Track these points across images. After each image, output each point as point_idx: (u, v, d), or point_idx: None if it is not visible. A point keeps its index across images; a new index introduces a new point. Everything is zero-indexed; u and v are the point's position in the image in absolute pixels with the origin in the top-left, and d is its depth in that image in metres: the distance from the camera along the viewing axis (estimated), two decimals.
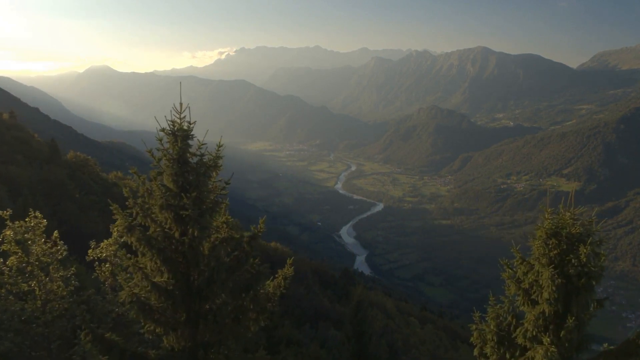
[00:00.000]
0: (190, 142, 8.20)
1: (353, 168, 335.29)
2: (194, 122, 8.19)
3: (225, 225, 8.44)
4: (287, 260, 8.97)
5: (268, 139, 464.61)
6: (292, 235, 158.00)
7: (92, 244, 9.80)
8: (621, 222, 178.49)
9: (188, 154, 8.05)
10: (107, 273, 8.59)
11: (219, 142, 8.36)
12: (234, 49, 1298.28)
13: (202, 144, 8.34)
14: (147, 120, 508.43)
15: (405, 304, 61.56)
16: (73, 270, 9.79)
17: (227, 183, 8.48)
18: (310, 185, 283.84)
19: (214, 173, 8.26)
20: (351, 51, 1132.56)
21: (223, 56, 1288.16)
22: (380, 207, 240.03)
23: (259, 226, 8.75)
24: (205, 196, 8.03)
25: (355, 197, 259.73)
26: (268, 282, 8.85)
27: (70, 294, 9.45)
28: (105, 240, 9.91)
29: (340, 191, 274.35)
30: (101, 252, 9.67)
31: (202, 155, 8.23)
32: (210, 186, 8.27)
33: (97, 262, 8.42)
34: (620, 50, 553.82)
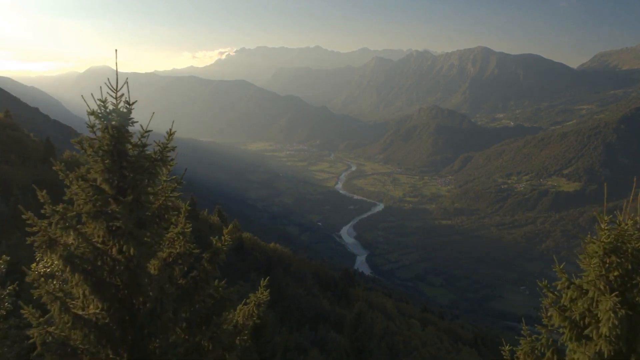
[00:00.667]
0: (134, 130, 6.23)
1: (353, 168, 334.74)
2: (135, 102, 6.11)
3: (181, 237, 6.41)
4: (261, 282, 7.08)
5: (268, 139, 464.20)
6: (292, 235, 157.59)
7: (37, 256, 7.69)
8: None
9: (129, 145, 6.01)
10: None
11: (170, 130, 6.30)
12: (235, 49, 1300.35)
13: (147, 131, 6.17)
14: (147, 120, 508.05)
15: (406, 305, 60.93)
16: (12, 289, 8.25)
17: (179, 183, 6.34)
18: (311, 185, 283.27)
19: (163, 169, 6.20)
20: (352, 51, 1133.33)
21: (223, 56, 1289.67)
22: (380, 207, 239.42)
23: (223, 238, 6.72)
24: (146, 200, 5.96)
25: (355, 197, 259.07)
26: (240, 306, 7.01)
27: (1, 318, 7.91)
28: None
29: (341, 191, 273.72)
30: (45, 267, 7.74)
31: (144, 146, 6.10)
32: (160, 187, 6.22)
33: (42, 278, 6.21)
34: (621, 51, 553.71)
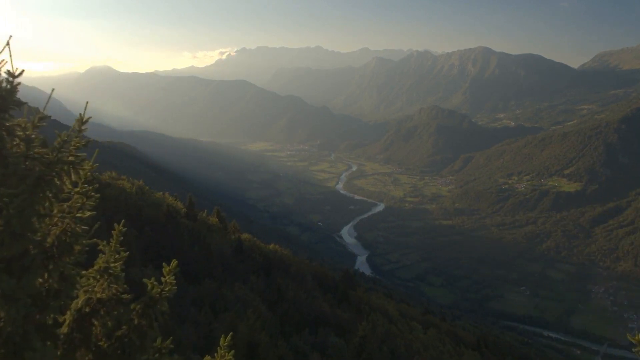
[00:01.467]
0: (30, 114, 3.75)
1: (354, 168, 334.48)
2: (22, 72, 3.38)
3: (105, 277, 4.02)
4: (222, 341, 4.71)
5: (269, 139, 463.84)
6: (292, 236, 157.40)
7: None
8: (623, 222, 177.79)
9: (15, 139, 3.47)
10: None
11: (81, 116, 3.86)
12: (235, 49, 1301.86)
13: (43, 118, 3.63)
14: (148, 120, 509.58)
15: (407, 307, 60.65)
16: None
17: (87, 196, 3.85)
18: (311, 185, 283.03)
19: (71, 177, 3.63)
20: (352, 51, 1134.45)
21: (224, 56, 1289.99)
22: (381, 207, 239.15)
23: (165, 280, 4.22)
24: (25, 227, 3.38)
25: (356, 197, 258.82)
26: None
27: None
28: None
29: (341, 191, 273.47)
30: None
31: (30, 141, 3.50)
32: (67, 203, 3.73)
33: None
34: (621, 51, 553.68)
